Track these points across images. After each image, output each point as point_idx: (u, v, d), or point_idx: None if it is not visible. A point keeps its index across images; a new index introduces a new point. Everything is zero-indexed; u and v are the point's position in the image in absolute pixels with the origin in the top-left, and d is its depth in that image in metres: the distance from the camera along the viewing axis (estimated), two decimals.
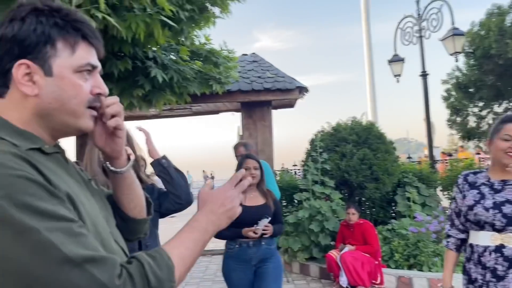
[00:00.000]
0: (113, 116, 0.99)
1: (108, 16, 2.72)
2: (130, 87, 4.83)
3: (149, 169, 2.23)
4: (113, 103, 0.98)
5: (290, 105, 8.87)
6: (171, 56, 5.04)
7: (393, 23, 11.45)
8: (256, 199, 3.07)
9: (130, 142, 2.01)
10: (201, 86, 5.35)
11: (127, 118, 8.82)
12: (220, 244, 7.82)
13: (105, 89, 0.97)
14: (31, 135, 0.89)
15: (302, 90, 7.80)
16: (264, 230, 2.93)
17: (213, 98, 7.22)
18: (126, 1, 2.98)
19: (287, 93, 7.51)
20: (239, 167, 3.04)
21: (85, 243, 0.77)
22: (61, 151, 0.98)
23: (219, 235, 2.90)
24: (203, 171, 26.62)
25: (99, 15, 2.59)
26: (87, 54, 0.94)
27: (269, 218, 2.94)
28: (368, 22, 16.80)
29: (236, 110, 8.77)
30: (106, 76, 4.57)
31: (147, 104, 5.34)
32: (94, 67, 0.95)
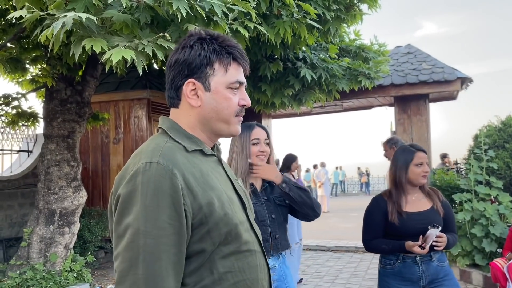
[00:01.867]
0: None
1: (259, 25, 2.99)
2: (282, 87, 5.15)
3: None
4: None
5: (451, 97, 8.16)
6: (321, 55, 5.19)
7: None
8: (419, 203, 2.41)
9: (270, 143, 2.20)
10: (349, 83, 5.36)
11: (281, 116, 9.32)
12: None
13: (249, 101, 1.18)
14: (196, 139, 1.15)
15: (465, 81, 7.11)
16: (435, 242, 2.25)
17: (364, 94, 7.14)
18: (275, 9, 3.22)
19: (446, 85, 6.94)
20: (402, 160, 2.44)
21: None
22: (216, 154, 1.21)
23: (376, 249, 2.44)
24: (358, 168, 26.09)
25: (251, 25, 2.87)
26: (237, 73, 1.15)
27: (440, 228, 2.25)
28: None
29: (390, 105, 8.46)
30: (261, 78, 4.97)
31: (297, 103, 5.60)
32: (241, 83, 1.16)
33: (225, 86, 1.13)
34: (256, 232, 1.17)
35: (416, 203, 2.41)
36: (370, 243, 2.46)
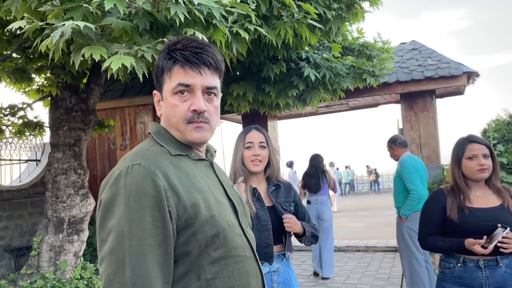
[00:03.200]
0: None
1: (259, 27, 2.97)
2: (286, 88, 5.12)
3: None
4: None
5: (458, 92, 8.07)
6: (324, 54, 5.16)
7: None
8: (485, 199, 2.16)
9: (269, 147, 2.18)
10: (354, 81, 5.33)
11: (287, 117, 9.29)
12: (382, 241, 7.68)
13: (199, 106, 1.08)
14: (182, 145, 1.13)
15: (471, 75, 7.02)
16: (501, 243, 1.98)
17: (370, 92, 7.10)
18: (275, 10, 3.20)
19: (452, 80, 6.86)
20: (454, 155, 2.25)
21: None
22: (209, 159, 1.20)
23: (431, 246, 2.23)
24: (367, 166, 25.95)
25: (252, 27, 2.86)
26: (180, 77, 1.08)
27: (508, 229, 1.99)
28: None
29: (396, 102, 8.40)
30: (264, 80, 4.95)
31: (302, 103, 5.57)
32: (187, 86, 1.08)
33: (171, 93, 1.09)
34: (248, 238, 1.14)
35: (481, 199, 2.16)
36: (425, 240, 2.25)
